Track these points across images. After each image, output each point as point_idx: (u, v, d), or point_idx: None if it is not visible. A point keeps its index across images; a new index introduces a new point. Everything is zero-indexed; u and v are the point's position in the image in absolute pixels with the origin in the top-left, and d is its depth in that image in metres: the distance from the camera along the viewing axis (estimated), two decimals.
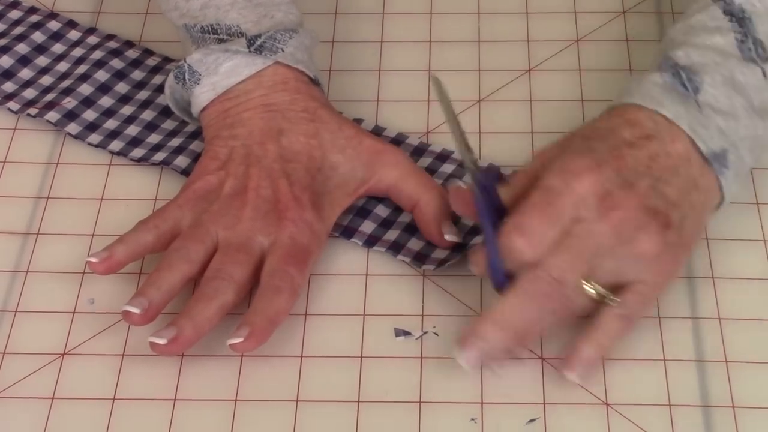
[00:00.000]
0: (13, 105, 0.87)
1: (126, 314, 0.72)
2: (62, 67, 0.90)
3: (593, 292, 0.70)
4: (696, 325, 0.74)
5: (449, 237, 0.77)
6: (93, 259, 0.74)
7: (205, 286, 0.73)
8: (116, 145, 0.84)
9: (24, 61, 0.90)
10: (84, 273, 0.78)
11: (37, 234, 0.80)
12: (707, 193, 0.73)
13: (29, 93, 0.88)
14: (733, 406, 0.70)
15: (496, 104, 0.87)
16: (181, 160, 0.82)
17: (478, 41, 0.92)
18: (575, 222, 0.70)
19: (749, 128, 0.74)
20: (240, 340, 0.71)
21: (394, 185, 0.79)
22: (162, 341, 0.71)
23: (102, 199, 0.82)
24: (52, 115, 0.85)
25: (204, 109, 0.81)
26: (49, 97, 0.87)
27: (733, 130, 0.74)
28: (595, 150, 0.71)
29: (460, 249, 0.77)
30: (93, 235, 0.80)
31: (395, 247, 0.78)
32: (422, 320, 0.75)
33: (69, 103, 0.86)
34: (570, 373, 0.71)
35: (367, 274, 0.77)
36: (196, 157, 0.82)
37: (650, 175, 0.71)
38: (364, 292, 0.77)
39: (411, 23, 0.92)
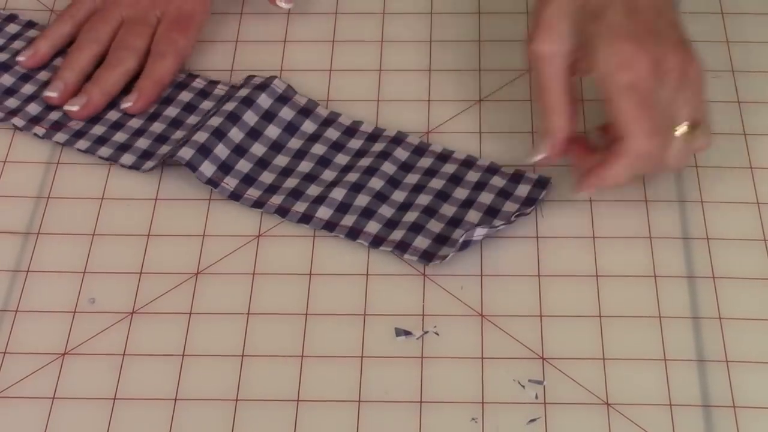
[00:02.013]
0: (17, 121, 0.86)
1: (47, 98, 0.85)
2: None
3: (684, 131, 0.76)
4: (697, 325, 0.74)
5: (281, 3, 0.90)
6: (21, 58, 0.88)
7: (110, 56, 0.86)
8: (128, 158, 0.83)
9: (25, 77, 0.89)
10: (84, 273, 0.78)
11: (38, 234, 0.80)
12: None
13: (33, 108, 0.87)
14: (734, 406, 0.70)
15: (496, 104, 0.87)
16: (185, 152, 0.81)
17: (479, 41, 0.91)
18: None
19: None
20: (130, 104, 0.84)
21: None
22: (75, 108, 0.84)
23: (102, 198, 0.82)
24: (60, 136, 0.85)
25: None
26: (54, 115, 0.86)
27: None
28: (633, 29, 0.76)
29: (463, 246, 0.77)
30: (93, 234, 0.80)
31: (401, 247, 0.78)
32: (423, 320, 0.75)
33: (76, 124, 0.85)
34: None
35: (367, 274, 0.77)
36: (199, 148, 0.81)
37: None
38: (364, 291, 0.77)
39: (411, 23, 0.92)
